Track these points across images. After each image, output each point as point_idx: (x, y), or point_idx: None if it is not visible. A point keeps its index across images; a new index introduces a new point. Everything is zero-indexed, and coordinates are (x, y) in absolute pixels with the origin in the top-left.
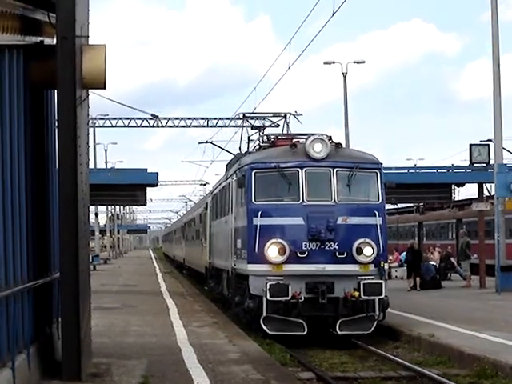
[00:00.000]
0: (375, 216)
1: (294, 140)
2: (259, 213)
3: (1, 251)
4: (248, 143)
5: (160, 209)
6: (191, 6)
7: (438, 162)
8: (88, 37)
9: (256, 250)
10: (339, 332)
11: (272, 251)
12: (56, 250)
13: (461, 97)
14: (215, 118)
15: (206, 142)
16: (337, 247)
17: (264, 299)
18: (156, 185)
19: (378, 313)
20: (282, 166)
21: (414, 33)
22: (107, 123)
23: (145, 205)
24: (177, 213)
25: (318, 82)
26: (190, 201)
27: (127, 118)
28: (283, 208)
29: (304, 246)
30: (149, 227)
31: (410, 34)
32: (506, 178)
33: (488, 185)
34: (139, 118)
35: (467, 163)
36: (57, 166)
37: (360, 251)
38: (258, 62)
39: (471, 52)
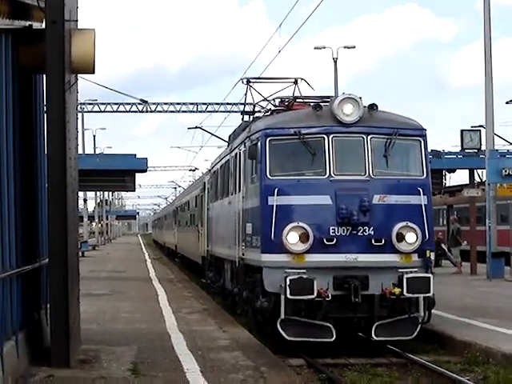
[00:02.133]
0: (419, 194)
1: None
2: (276, 190)
3: None
4: (253, 112)
5: (149, 195)
6: None
7: (429, 147)
8: (77, 21)
9: (272, 236)
10: (375, 338)
11: (292, 238)
12: (44, 236)
13: (454, 82)
14: (205, 104)
15: (196, 127)
16: (372, 233)
17: (282, 297)
18: (145, 170)
19: (422, 313)
20: (304, 131)
21: (409, 17)
22: (96, 108)
23: (133, 190)
24: (166, 199)
25: (310, 67)
26: (179, 186)
27: (116, 103)
28: (306, 184)
29: (331, 231)
30: (138, 213)
31: (405, 19)
32: (498, 163)
33: (479, 171)
34: (128, 103)
35: (458, 149)
36: (45, 151)
37: (401, 237)
38: (251, 47)
39: (466, 37)
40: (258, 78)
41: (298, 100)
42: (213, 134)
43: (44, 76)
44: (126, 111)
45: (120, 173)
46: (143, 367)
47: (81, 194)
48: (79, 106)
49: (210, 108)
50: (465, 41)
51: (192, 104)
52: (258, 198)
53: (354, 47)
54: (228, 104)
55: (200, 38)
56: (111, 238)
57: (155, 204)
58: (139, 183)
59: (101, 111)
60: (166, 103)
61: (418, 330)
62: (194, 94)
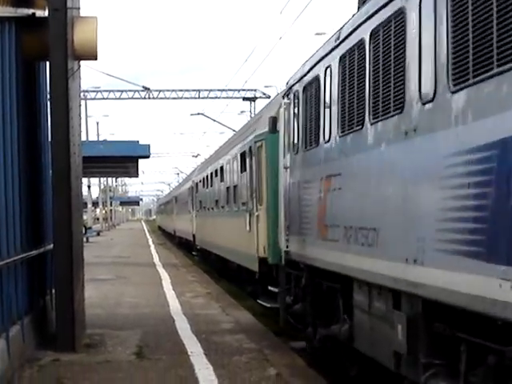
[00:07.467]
0: None
1: None
2: None
3: None
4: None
5: (152, 181)
6: None
7: None
8: (79, 9)
9: None
10: None
11: None
12: (49, 222)
13: None
14: (207, 90)
15: (198, 113)
16: None
17: None
18: (148, 156)
19: None
20: None
21: None
22: (99, 95)
23: (137, 176)
24: (169, 185)
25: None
26: (182, 172)
27: (119, 91)
28: None
29: None
30: (141, 199)
31: None
32: None
33: None
34: (131, 90)
35: None
36: (49, 139)
37: None
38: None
39: None
40: None
41: None
42: (215, 120)
43: (47, 63)
44: (129, 98)
45: (123, 159)
46: (148, 351)
47: (84, 180)
48: (82, 94)
49: (212, 94)
50: None
51: (194, 90)
52: None
53: None
54: (230, 90)
55: (205, 23)
56: (115, 223)
57: (158, 190)
58: (142, 169)
59: (104, 98)
60: (168, 90)
61: None
62: (196, 79)
